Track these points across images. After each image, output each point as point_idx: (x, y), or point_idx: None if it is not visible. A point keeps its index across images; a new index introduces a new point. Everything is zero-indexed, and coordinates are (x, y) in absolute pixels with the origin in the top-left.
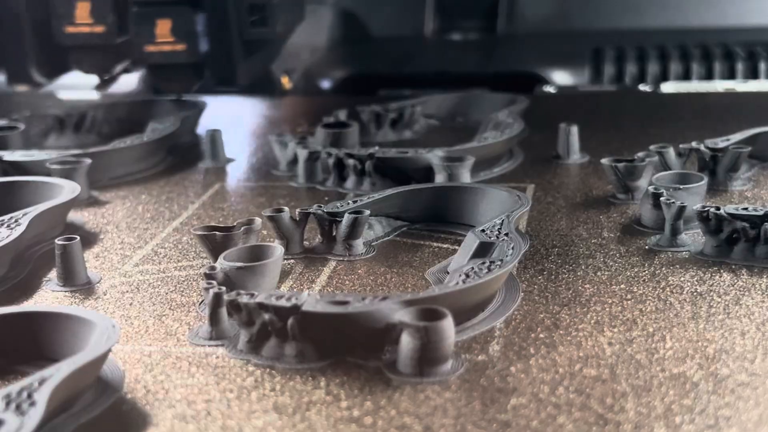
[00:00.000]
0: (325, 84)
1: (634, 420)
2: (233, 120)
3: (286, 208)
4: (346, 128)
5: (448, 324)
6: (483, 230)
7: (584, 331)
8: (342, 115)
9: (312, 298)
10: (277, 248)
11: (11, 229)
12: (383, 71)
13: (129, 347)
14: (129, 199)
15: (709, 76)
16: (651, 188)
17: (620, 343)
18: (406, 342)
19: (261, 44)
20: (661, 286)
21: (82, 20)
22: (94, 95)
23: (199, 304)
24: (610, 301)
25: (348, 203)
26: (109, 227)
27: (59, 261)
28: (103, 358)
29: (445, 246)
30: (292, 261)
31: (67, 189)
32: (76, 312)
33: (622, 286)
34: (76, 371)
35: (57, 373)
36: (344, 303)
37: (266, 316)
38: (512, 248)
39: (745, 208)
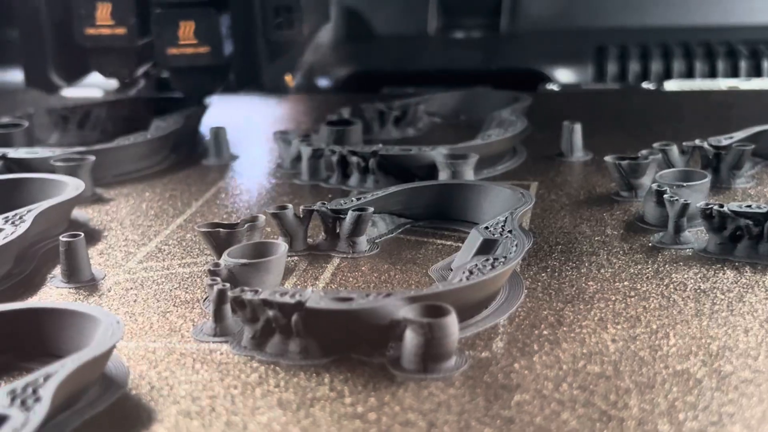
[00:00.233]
0: (329, 82)
1: (638, 416)
2: (237, 118)
3: (290, 206)
4: (350, 126)
5: (451, 320)
6: (486, 227)
7: (588, 328)
8: (345, 112)
9: (316, 294)
10: (281, 245)
11: (16, 225)
12: (387, 69)
13: (133, 344)
14: (133, 197)
15: (712, 74)
16: (654, 186)
17: (624, 340)
18: (410, 338)
19: (287, 46)
20: (665, 283)
21: (103, 22)
22: (98, 93)
23: (204, 300)
24: (613, 298)
25: (351, 200)
26: (113, 224)
27: (63, 258)
28: (107, 354)
29: (448, 243)
30: (295, 258)
31: (71, 186)
32: (81, 308)
33: (626, 283)
34: (81, 367)
35: (62, 369)
36: (348, 300)
37: (270, 313)
38: (516, 245)
39: (749, 206)
